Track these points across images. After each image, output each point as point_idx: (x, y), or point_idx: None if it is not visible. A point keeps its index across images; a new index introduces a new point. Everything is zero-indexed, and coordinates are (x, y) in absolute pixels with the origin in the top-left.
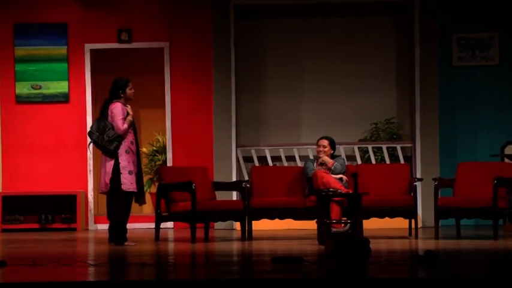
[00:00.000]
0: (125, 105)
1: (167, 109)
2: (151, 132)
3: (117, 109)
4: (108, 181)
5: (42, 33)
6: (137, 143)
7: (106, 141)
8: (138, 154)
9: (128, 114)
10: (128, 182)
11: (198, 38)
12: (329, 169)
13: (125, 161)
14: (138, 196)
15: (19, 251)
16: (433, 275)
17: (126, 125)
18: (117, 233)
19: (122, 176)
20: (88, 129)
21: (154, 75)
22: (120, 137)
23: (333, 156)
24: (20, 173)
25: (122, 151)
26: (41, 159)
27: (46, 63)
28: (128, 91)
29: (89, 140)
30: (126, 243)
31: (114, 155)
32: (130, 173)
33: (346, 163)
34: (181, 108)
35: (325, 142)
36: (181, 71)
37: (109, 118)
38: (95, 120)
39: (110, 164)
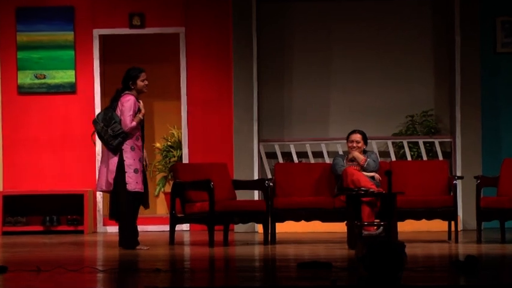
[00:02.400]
0: (137, 99)
1: (183, 101)
2: (165, 126)
3: (128, 103)
4: (112, 180)
5: (47, 18)
6: (143, 139)
7: (109, 135)
8: (142, 151)
9: (139, 110)
10: (133, 182)
11: (216, 22)
12: (361, 166)
13: (130, 159)
14: (144, 198)
15: (21, 256)
16: (475, 282)
17: (134, 123)
18: (127, 236)
19: (126, 174)
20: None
21: (169, 63)
22: (125, 134)
23: (364, 152)
24: (22, 171)
25: (126, 147)
26: (46, 155)
27: (51, 51)
28: (140, 83)
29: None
30: (137, 247)
31: (116, 151)
32: (135, 171)
33: (379, 159)
34: (198, 99)
35: (357, 137)
36: (198, 59)
37: (118, 111)
38: (104, 109)
39: (114, 161)
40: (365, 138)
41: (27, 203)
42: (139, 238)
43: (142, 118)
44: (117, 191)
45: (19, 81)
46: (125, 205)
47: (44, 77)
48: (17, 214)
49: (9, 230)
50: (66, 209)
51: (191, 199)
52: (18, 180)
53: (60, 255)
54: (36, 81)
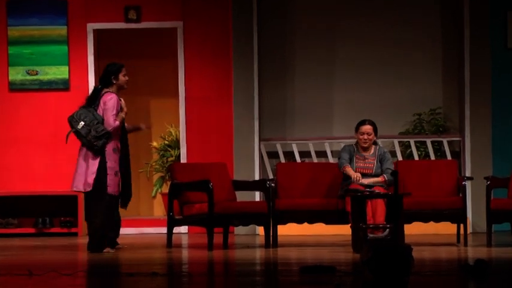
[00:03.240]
0: (119, 97)
1: (181, 98)
2: (162, 124)
3: (111, 102)
4: (92, 181)
5: (39, 12)
6: (126, 139)
7: (93, 136)
8: (127, 151)
9: (121, 109)
10: (113, 184)
11: (215, 17)
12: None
13: (112, 161)
14: (124, 198)
15: (12, 259)
16: (485, 287)
17: (117, 122)
18: (98, 238)
19: (108, 177)
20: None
21: (166, 59)
22: (109, 134)
23: (375, 144)
24: (13, 171)
25: (109, 149)
26: (38, 154)
27: (43, 46)
28: (122, 77)
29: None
30: (105, 251)
31: (100, 153)
32: (116, 174)
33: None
34: (196, 97)
35: (368, 128)
36: (197, 55)
37: (99, 110)
38: (81, 107)
39: (95, 163)
40: (375, 129)
41: (19, 205)
42: (117, 239)
43: (124, 117)
44: (95, 192)
45: (10, 77)
46: (101, 206)
47: (36, 73)
48: (8, 216)
49: (0, 232)
50: (59, 210)
51: (189, 200)
52: (9, 180)
53: (52, 258)
54: (28, 77)
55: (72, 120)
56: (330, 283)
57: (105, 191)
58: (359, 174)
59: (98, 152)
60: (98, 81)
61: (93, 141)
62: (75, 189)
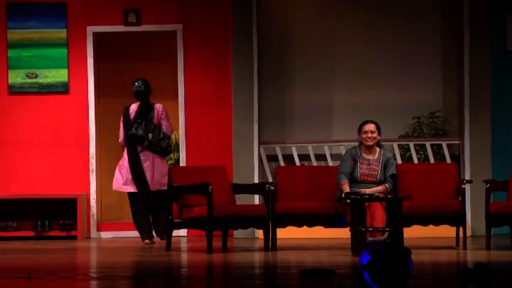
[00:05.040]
0: None
1: (180, 101)
2: None
3: (166, 111)
4: (166, 181)
5: (39, 14)
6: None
7: (164, 141)
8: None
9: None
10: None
11: (215, 19)
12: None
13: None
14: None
15: (12, 262)
16: None
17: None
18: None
19: (166, 177)
20: (127, 131)
21: (166, 62)
22: (169, 138)
23: (379, 146)
24: (13, 174)
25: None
26: (37, 157)
27: (43, 49)
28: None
29: (143, 142)
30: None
31: (167, 153)
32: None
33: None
34: (196, 100)
35: (372, 127)
36: (197, 58)
37: (155, 120)
38: (135, 123)
39: (164, 163)
40: (379, 128)
41: (18, 207)
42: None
43: None
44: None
45: (10, 80)
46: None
47: (36, 76)
48: (8, 219)
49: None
50: (58, 213)
51: (189, 204)
52: (8, 183)
53: (52, 261)
54: (28, 80)
55: (139, 138)
56: (329, 286)
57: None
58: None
59: (167, 151)
60: (97, 84)
61: (162, 143)
62: (153, 189)
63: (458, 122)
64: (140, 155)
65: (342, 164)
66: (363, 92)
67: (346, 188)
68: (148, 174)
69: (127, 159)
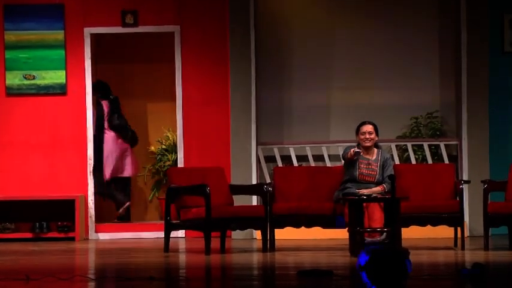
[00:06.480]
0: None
1: (178, 102)
2: (159, 128)
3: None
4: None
5: (36, 16)
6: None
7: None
8: None
9: None
10: None
11: (213, 20)
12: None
13: None
14: None
15: (9, 264)
16: None
17: None
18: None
19: None
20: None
21: (164, 63)
22: None
23: (376, 146)
24: (10, 175)
25: None
26: (35, 159)
27: (40, 50)
28: None
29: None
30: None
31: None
32: None
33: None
34: (193, 100)
35: (369, 127)
36: (194, 59)
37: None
38: (119, 114)
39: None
40: (376, 129)
41: (16, 209)
42: None
43: None
44: None
45: (7, 82)
46: None
47: (33, 78)
48: (5, 220)
49: None
50: (56, 215)
51: (186, 205)
52: (6, 185)
53: (50, 263)
54: (25, 82)
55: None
56: (328, 287)
57: None
58: (378, 188)
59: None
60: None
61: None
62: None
63: (456, 123)
64: None
65: (345, 150)
66: (361, 92)
67: (355, 150)
68: None
69: None
